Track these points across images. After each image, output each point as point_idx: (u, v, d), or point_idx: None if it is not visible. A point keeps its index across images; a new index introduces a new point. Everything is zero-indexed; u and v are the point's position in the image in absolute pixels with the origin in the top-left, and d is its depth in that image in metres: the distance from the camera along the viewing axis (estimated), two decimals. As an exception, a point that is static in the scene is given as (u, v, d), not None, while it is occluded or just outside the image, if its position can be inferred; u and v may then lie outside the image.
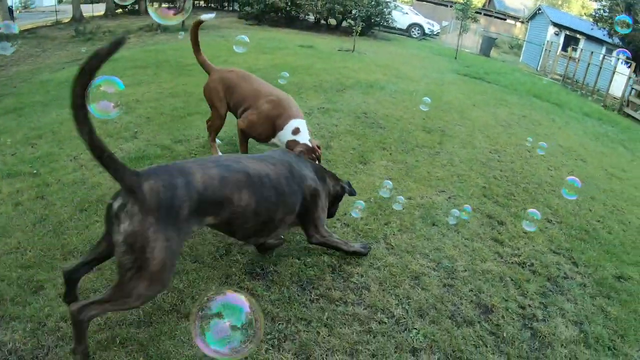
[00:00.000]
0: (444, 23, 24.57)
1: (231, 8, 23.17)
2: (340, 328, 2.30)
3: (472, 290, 2.86)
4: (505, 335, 2.55)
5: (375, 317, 2.42)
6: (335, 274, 2.73)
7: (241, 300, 1.66)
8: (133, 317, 2.18)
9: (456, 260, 3.10)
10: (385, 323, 2.40)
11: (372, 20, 16.61)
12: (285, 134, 3.44)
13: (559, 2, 34.15)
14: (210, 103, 3.90)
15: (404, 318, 2.47)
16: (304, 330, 2.24)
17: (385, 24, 17.59)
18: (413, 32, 21.86)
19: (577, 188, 3.86)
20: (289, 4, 16.62)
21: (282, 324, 2.26)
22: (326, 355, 2.13)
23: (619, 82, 14.71)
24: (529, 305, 2.86)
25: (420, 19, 22.19)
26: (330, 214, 2.86)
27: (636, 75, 13.60)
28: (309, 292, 2.52)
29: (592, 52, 16.73)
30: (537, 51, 22.02)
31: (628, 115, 13.23)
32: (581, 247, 3.73)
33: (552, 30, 20.93)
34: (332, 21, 18.47)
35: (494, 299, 2.81)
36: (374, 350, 2.21)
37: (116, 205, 1.74)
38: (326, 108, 6.06)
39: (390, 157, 4.76)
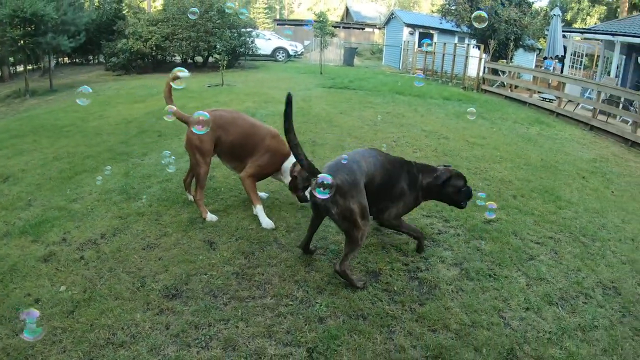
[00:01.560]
0: (306, 42, 25.91)
1: (97, 61, 22.41)
2: (255, 318, 2.61)
3: (359, 262, 3.20)
4: (395, 289, 2.91)
5: (282, 302, 2.76)
6: (239, 278, 3.00)
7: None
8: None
9: (341, 243, 3.39)
10: (292, 305, 2.74)
11: (237, 52, 17.10)
12: (289, 161, 3.78)
13: (411, 4, 37.83)
14: (194, 152, 3.81)
15: (307, 297, 2.82)
16: (224, 328, 2.52)
17: (250, 53, 18.18)
18: (278, 55, 22.81)
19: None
20: (154, 48, 16.57)
21: (205, 328, 2.52)
22: (249, 342, 2.42)
23: (474, 64, 16.67)
24: (412, 262, 3.26)
25: (283, 43, 23.23)
26: None
27: (487, 55, 15.48)
28: (221, 298, 2.80)
29: (444, 44, 18.76)
30: (396, 52, 24.21)
31: (485, 91, 15.00)
32: (450, 207, 4.25)
33: (406, 31, 23.22)
34: (199, 59, 18.68)
35: (380, 264, 3.18)
36: (287, 327, 2.55)
37: (320, 201, 2.75)
38: None
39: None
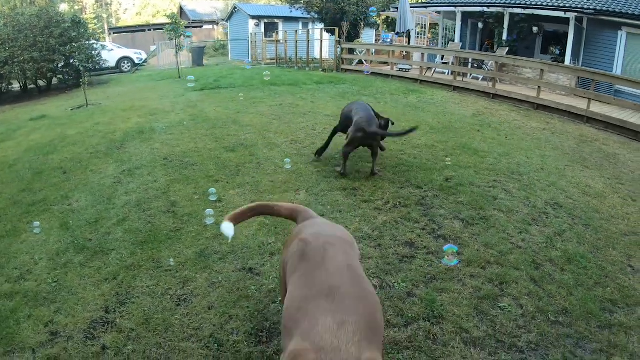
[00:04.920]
0: (152, 47, 24.96)
1: None
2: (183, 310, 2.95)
3: (394, 237, 3.89)
4: (433, 249, 3.68)
5: (194, 292, 3.13)
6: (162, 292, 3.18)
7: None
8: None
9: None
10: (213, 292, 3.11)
11: (84, 68, 15.95)
12: None
13: None
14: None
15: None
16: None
17: (97, 67, 17.06)
18: (124, 66, 21.67)
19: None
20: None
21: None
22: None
23: (327, 47, 18.11)
24: (427, 226, 4.08)
25: (127, 52, 22.12)
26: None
27: (339, 37, 16.92)
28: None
29: (296, 31, 19.93)
30: (243, 45, 24.79)
31: (346, 71, 16.54)
32: (414, 175, 5.20)
33: (252, 23, 23.85)
34: (42, 82, 16.87)
35: (408, 235, 3.91)
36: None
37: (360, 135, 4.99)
38: (127, 172, 5.67)
39: (231, 184, 5.14)
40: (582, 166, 6.18)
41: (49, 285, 3.31)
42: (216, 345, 2.61)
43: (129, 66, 21.80)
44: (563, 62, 12.42)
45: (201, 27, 30.93)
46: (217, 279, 3.24)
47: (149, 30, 28.93)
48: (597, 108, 9.28)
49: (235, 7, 25.96)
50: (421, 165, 5.62)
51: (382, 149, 5.73)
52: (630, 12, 11.25)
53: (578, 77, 11.48)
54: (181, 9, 32.44)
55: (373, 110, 5.42)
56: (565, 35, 12.58)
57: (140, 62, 22.55)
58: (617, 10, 11.43)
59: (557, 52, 13.87)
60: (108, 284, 3.27)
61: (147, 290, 3.16)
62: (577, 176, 5.68)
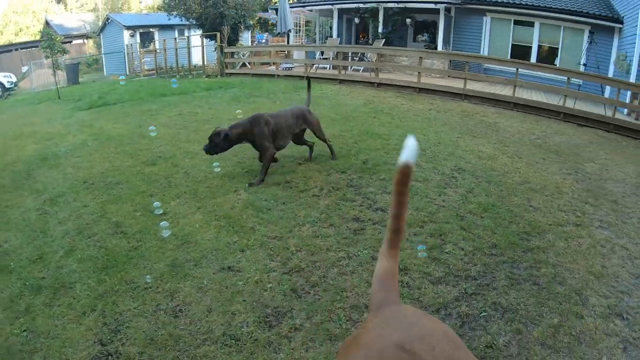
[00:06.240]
0: (24, 69, 22.65)
1: None
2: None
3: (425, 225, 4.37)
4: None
5: (186, 301, 3.33)
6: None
7: None
8: None
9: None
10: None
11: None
12: None
13: (120, 6, 36.09)
14: None
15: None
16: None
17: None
18: (-8, 92, 19.53)
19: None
20: None
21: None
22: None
23: (211, 54, 18.14)
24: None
25: None
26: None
27: (221, 42, 17.01)
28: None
29: (175, 39, 19.61)
30: (119, 58, 23.71)
31: (230, 74, 16.74)
32: (362, 166, 5.76)
33: (127, 34, 22.85)
34: None
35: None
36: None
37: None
38: (49, 201, 5.38)
39: (167, 196, 5.15)
40: (470, 136, 7.25)
41: (19, 336, 2.99)
42: (232, 340, 2.77)
43: (-1, 91, 19.70)
44: (434, 47, 14.03)
45: (70, 42, 28.80)
46: (203, 284, 3.35)
47: (16, 50, 26.21)
48: (470, 86, 10.72)
49: (108, 19, 24.69)
50: (337, 153, 6.19)
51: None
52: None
53: (450, 61, 13.07)
54: (47, 23, 29.83)
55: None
56: (434, 23, 14.24)
57: (12, 85, 20.46)
58: (481, -1, 13.29)
59: (427, 39, 15.54)
60: (88, 316, 3.12)
61: (135, 311, 3.12)
62: (469, 144, 6.68)
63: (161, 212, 4.55)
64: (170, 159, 6.38)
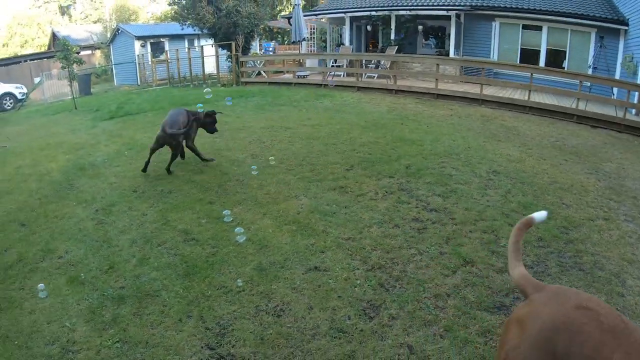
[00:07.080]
0: (36, 80, 23.31)
1: None
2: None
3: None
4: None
5: (285, 301, 4.22)
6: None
7: None
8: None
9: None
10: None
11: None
12: None
13: (128, 17, 36.77)
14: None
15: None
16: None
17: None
18: (5, 103, 20.10)
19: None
20: None
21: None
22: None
23: (222, 63, 18.83)
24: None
25: (7, 87, 20.46)
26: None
27: (236, 52, 17.68)
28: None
29: (188, 48, 20.31)
30: (130, 68, 24.42)
31: (246, 83, 17.36)
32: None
33: (138, 44, 23.57)
34: None
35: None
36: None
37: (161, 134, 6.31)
38: (103, 211, 5.54)
39: (228, 203, 5.56)
40: (495, 140, 7.95)
41: (111, 348, 3.01)
42: (340, 333, 3.08)
43: (11, 103, 20.29)
44: (445, 53, 14.76)
45: (78, 53, 29.52)
46: (296, 284, 3.67)
47: (25, 61, 26.92)
48: (485, 90, 11.43)
49: (118, 29, 25.41)
50: (379, 159, 6.83)
51: (182, 156, 6.87)
52: (502, 5, 13.90)
53: (461, 66, 13.80)
54: (54, 35, 30.54)
55: (192, 113, 6.71)
56: (442, 29, 14.94)
57: (23, 97, 21.12)
58: (490, 5, 14.01)
59: (436, 44, 16.28)
60: (186, 322, 3.23)
61: (236, 314, 3.30)
62: (496, 148, 7.38)
63: (231, 219, 4.79)
64: (218, 167, 6.75)
